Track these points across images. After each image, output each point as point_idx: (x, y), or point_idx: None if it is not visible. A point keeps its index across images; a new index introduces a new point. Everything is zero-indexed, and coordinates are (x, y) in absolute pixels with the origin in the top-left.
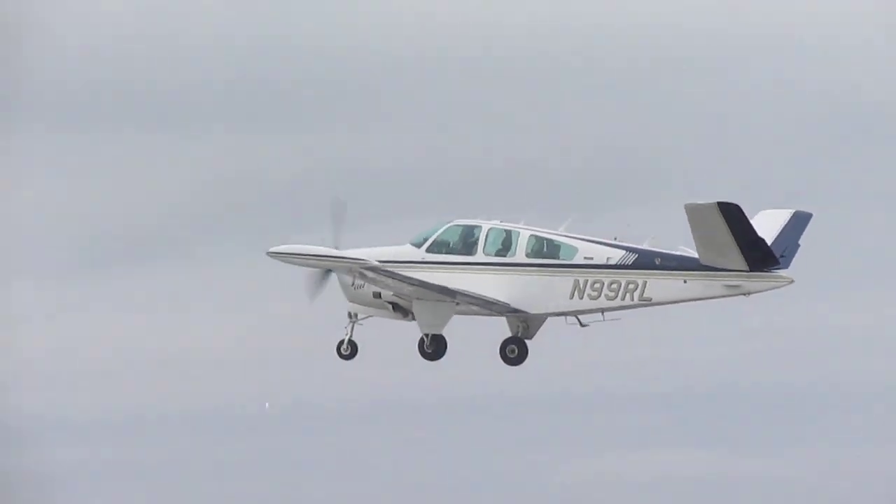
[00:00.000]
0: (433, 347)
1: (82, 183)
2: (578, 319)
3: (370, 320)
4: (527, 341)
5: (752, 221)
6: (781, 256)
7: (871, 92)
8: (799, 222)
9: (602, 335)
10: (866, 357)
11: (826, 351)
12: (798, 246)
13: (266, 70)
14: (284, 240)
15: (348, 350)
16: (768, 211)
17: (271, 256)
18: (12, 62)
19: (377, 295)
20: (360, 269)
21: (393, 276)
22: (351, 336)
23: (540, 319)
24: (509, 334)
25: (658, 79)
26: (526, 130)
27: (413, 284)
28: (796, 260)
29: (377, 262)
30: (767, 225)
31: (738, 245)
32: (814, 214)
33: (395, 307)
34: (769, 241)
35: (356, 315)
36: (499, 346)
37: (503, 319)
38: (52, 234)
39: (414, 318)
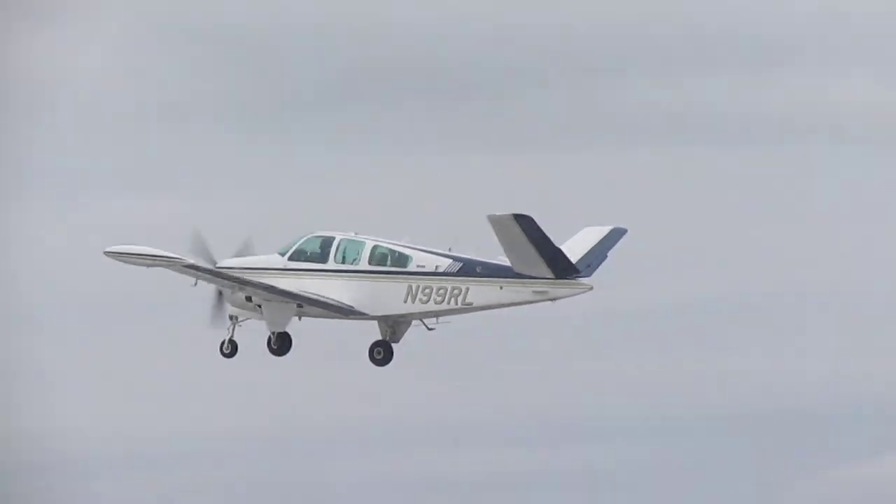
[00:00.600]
0: (278, 344)
1: None
2: (424, 323)
3: (249, 322)
4: (393, 344)
5: (575, 236)
6: (588, 266)
7: None
8: (613, 236)
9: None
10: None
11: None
12: (606, 257)
13: None
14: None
15: (229, 349)
16: (589, 228)
17: (108, 255)
18: None
19: (248, 298)
20: (182, 267)
21: (216, 274)
22: (232, 336)
23: (406, 324)
24: (379, 338)
25: None
26: None
27: (238, 283)
28: (601, 269)
29: (191, 261)
30: (585, 239)
31: (539, 254)
32: (628, 230)
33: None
34: (582, 253)
35: (236, 318)
36: (367, 348)
37: (374, 324)
38: None
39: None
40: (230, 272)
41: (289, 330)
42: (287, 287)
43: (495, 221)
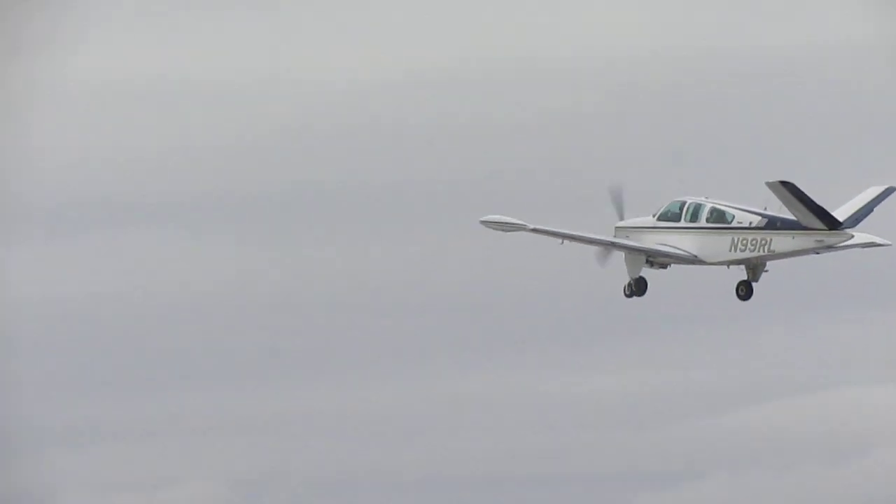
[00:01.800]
0: (635, 287)
1: None
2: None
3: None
4: (753, 283)
5: (861, 194)
6: (855, 220)
7: None
8: (884, 194)
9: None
10: None
11: None
12: (871, 211)
13: None
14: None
15: (630, 290)
16: (873, 187)
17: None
18: None
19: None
20: (530, 230)
21: (555, 234)
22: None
23: (761, 268)
24: (745, 278)
25: None
26: None
27: (579, 240)
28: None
29: (534, 226)
30: (864, 196)
31: (809, 211)
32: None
33: (651, 263)
34: (855, 209)
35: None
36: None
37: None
38: None
39: (659, 267)
40: (621, 231)
41: (644, 275)
42: (654, 240)
43: (770, 186)
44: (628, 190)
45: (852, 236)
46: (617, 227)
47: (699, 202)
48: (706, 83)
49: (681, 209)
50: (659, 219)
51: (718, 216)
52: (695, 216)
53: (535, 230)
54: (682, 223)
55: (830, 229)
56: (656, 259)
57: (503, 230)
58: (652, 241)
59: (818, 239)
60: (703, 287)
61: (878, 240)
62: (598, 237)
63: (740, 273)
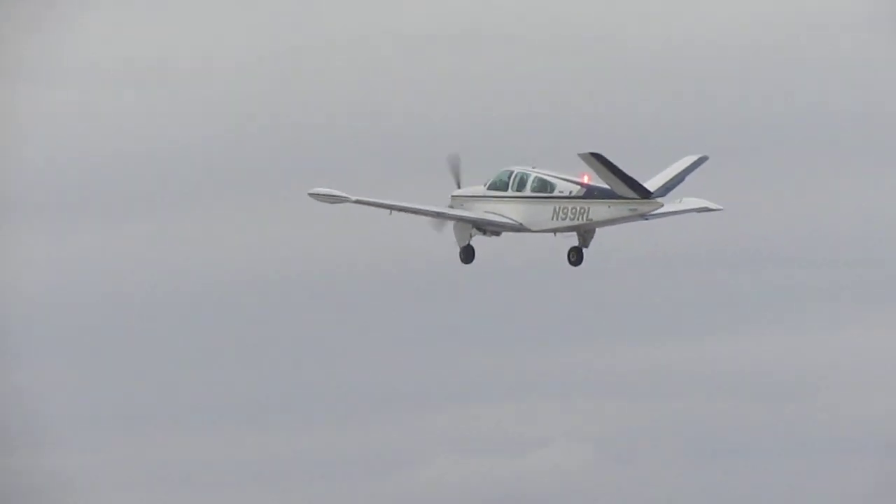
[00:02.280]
0: (462, 255)
1: None
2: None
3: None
4: (583, 249)
5: (675, 163)
6: (666, 189)
7: None
8: (697, 163)
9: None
10: None
11: None
12: (682, 180)
13: None
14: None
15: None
16: (688, 156)
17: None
18: None
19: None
20: (353, 201)
21: (380, 205)
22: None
23: (591, 234)
24: (576, 244)
25: None
26: None
27: (398, 209)
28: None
29: (357, 198)
30: (678, 165)
31: (621, 181)
32: (708, 157)
33: (483, 231)
34: (668, 178)
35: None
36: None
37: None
38: None
39: (492, 234)
40: (456, 199)
41: (471, 243)
42: (484, 208)
43: (582, 157)
44: (466, 159)
45: (662, 205)
46: (452, 196)
47: (525, 172)
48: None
49: (508, 178)
50: (489, 188)
51: (542, 186)
52: (521, 185)
53: (358, 201)
54: (510, 192)
55: (642, 198)
56: (487, 227)
57: (329, 202)
58: (482, 210)
59: (632, 208)
60: (539, 252)
61: (710, 204)
62: (423, 207)
63: (572, 239)
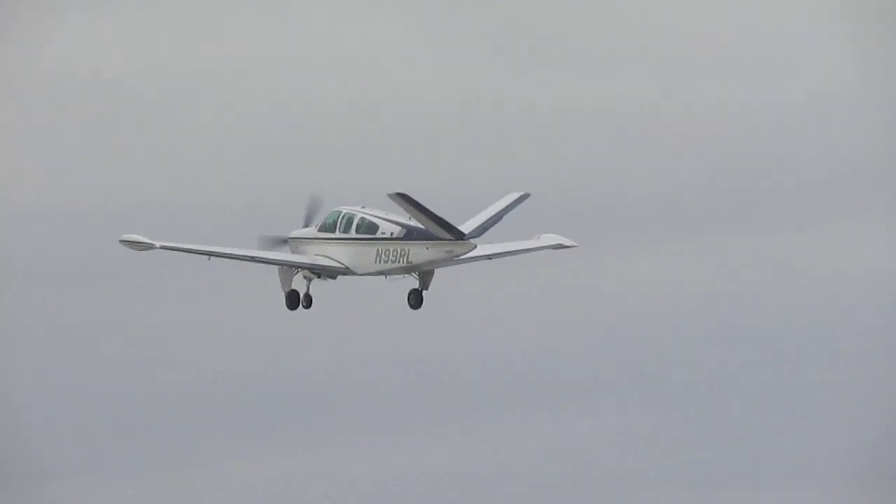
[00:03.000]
0: (287, 301)
1: None
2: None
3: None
4: (423, 291)
5: (499, 200)
6: (484, 229)
7: None
8: (517, 201)
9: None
10: None
11: None
12: (501, 219)
13: None
14: None
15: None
16: (511, 193)
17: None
18: None
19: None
20: (159, 247)
21: (188, 250)
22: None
23: (430, 276)
24: (416, 287)
25: None
26: None
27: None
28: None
29: (162, 244)
30: (499, 203)
31: (433, 222)
32: (530, 194)
33: (318, 274)
34: (487, 216)
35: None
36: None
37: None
38: None
39: (327, 277)
40: (292, 241)
41: (295, 287)
42: (314, 251)
43: (391, 197)
44: (326, 202)
45: (475, 246)
46: (290, 238)
47: (353, 212)
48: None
49: (336, 220)
50: (320, 229)
51: (368, 227)
52: (348, 227)
53: (163, 247)
54: (338, 234)
55: (456, 239)
56: (315, 271)
57: (137, 249)
58: (313, 252)
59: (447, 249)
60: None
61: (565, 241)
62: (234, 251)
63: (414, 281)
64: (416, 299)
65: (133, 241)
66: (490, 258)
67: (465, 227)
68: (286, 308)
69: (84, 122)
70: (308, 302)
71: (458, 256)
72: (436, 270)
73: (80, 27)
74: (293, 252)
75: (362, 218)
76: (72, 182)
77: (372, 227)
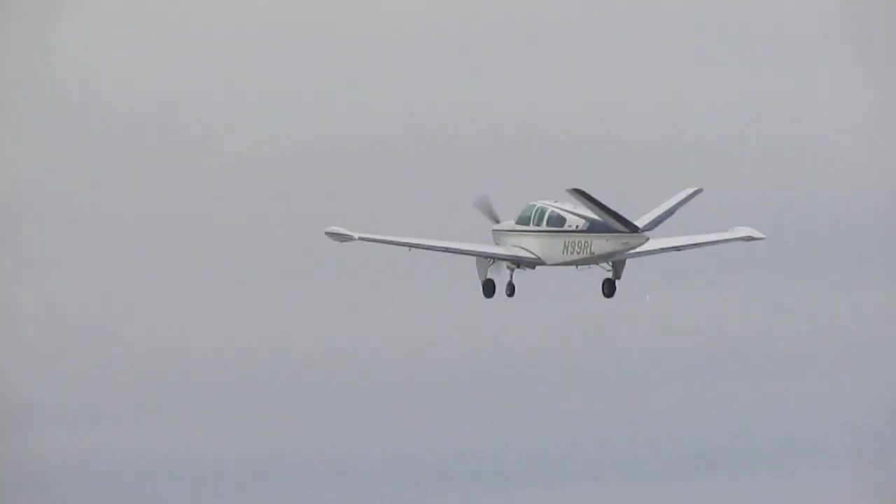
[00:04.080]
0: (484, 290)
1: None
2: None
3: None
4: (616, 280)
5: (677, 194)
6: (658, 222)
7: None
8: (691, 196)
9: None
10: None
11: None
12: (673, 213)
13: None
14: None
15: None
16: (689, 188)
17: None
18: None
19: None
20: (357, 239)
21: (383, 241)
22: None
23: (621, 265)
24: (609, 276)
25: None
26: None
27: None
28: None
29: (360, 235)
30: (674, 197)
31: (608, 215)
32: (702, 189)
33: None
34: (661, 210)
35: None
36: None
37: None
38: None
39: (525, 267)
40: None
41: (492, 277)
42: (512, 242)
43: (569, 192)
44: (496, 197)
45: (647, 238)
46: (493, 231)
47: (544, 206)
48: None
49: (531, 213)
50: (517, 222)
51: (557, 220)
52: (540, 220)
53: (361, 238)
54: (532, 226)
55: (632, 231)
56: (511, 262)
57: (339, 240)
58: (511, 244)
59: (624, 241)
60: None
61: (754, 233)
62: (428, 242)
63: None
64: (609, 288)
65: (336, 234)
66: (679, 249)
67: (640, 222)
68: (483, 296)
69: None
70: (511, 290)
71: (634, 248)
72: (627, 261)
73: None
74: (496, 243)
75: (553, 211)
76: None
77: (560, 220)
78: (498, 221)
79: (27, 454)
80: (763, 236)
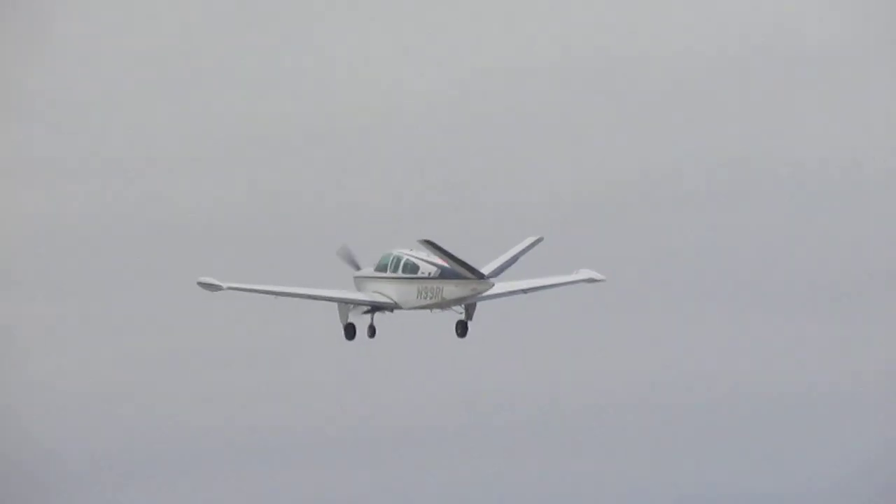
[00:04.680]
0: (346, 333)
1: None
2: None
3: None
4: (468, 322)
5: (521, 243)
6: (502, 270)
7: None
8: (533, 244)
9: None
10: None
11: None
12: (516, 260)
13: None
14: None
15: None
16: (530, 237)
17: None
18: None
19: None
20: (227, 288)
21: (252, 290)
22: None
23: (472, 308)
24: (462, 318)
25: None
26: None
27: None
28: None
29: (228, 285)
30: (517, 246)
31: (457, 264)
32: (543, 238)
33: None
34: (505, 259)
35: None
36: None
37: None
38: None
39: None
40: (358, 279)
41: (353, 321)
42: (372, 288)
43: (419, 242)
44: (355, 245)
45: (493, 284)
46: (354, 277)
47: (400, 254)
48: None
49: (388, 261)
50: (376, 269)
51: (412, 267)
52: (396, 267)
53: (230, 288)
54: (388, 273)
55: (478, 279)
56: (375, 305)
57: (210, 290)
58: (371, 289)
59: (472, 287)
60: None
61: (595, 275)
62: (292, 290)
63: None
64: (462, 329)
65: (206, 283)
66: (526, 292)
67: (486, 269)
68: (344, 339)
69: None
70: (372, 332)
71: (481, 293)
72: (477, 304)
73: None
74: (357, 289)
75: (407, 259)
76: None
77: (414, 268)
78: (359, 268)
79: None
80: (603, 278)
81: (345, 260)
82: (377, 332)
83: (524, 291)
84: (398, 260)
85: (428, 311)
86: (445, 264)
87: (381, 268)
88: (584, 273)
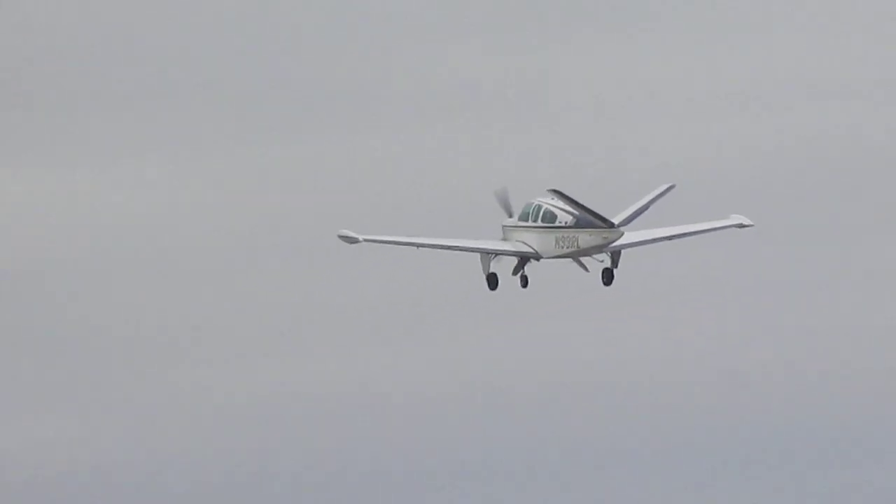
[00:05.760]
0: (488, 283)
1: None
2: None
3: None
4: (613, 270)
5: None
6: (633, 218)
7: None
8: (664, 192)
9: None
10: None
11: None
12: (647, 208)
13: None
14: None
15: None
16: (665, 184)
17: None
18: None
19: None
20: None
21: (387, 241)
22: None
23: (617, 256)
24: (608, 266)
25: None
26: None
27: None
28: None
29: (365, 237)
30: (650, 193)
31: (586, 213)
32: (675, 185)
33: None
34: (637, 206)
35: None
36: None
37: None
38: None
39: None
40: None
41: (495, 271)
42: (516, 238)
43: (549, 193)
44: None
45: (622, 233)
46: (503, 226)
47: (540, 203)
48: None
49: (530, 210)
50: (520, 218)
51: (550, 216)
52: (536, 216)
53: (366, 240)
54: (530, 223)
55: (608, 227)
56: (516, 255)
57: (348, 242)
58: (515, 239)
59: (604, 236)
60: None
61: (745, 220)
62: (429, 241)
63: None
64: (608, 277)
65: (344, 236)
66: (671, 238)
67: (617, 218)
68: (487, 289)
69: None
70: (524, 282)
71: (612, 241)
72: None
73: None
74: (504, 238)
75: (546, 208)
76: None
77: (552, 217)
78: (511, 216)
79: None
80: (751, 223)
81: (501, 203)
82: (529, 281)
83: (669, 238)
84: (538, 209)
85: (569, 259)
86: (576, 212)
87: (524, 217)
88: (735, 218)
